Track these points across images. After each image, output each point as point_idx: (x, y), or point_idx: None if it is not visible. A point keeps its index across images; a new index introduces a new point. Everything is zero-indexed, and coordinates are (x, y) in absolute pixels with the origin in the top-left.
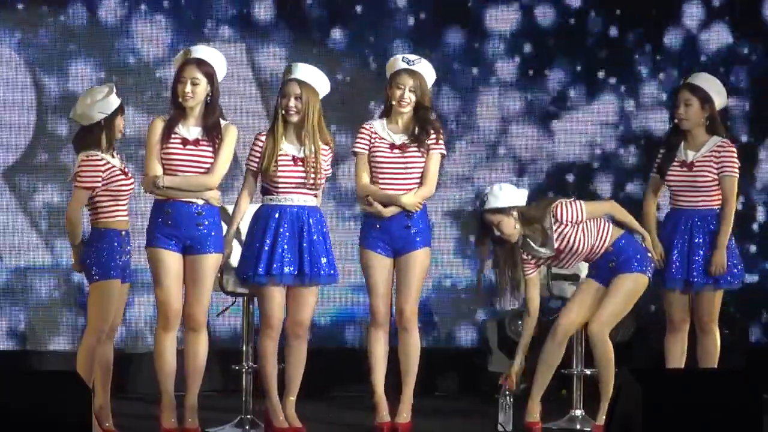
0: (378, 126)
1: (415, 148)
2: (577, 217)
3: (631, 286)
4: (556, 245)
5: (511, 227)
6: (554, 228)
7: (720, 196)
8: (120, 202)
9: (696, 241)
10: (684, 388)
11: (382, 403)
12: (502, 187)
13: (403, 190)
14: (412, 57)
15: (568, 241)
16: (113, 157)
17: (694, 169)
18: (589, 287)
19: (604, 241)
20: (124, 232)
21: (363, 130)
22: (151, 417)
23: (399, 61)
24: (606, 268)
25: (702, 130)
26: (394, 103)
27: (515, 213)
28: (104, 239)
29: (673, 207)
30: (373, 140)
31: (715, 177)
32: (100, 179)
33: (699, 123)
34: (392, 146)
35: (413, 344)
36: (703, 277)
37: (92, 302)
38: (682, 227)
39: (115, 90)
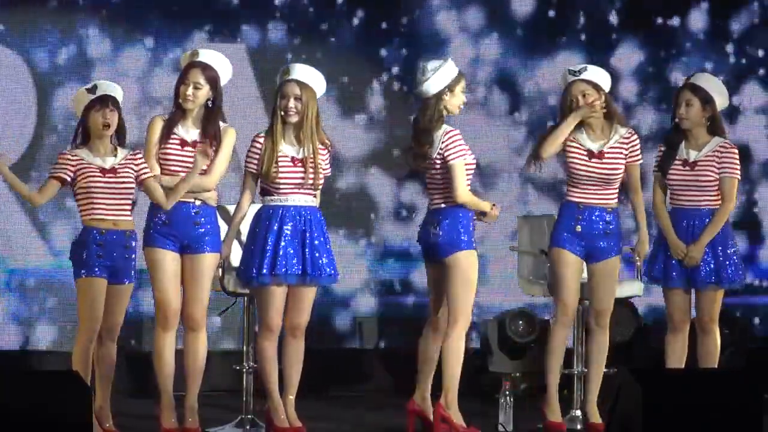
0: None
1: None
2: (639, 151)
3: (616, 270)
4: (604, 148)
5: (591, 101)
6: (622, 138)
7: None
8: (95, 201)
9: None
10: (684, 388)
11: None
12: (604, 70)
13: None
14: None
15: (617, 155)
16: (113, 155)
17: (697, 168)
18: (568, 263)
19: (615, 194)
20: (104, 230)
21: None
22: (151, 417)
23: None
24: (594, 233)
25: (703, 130)
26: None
27: (603, 96)
28: (83, 237)
29: (674, 206)
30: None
31: (717, 177)
32: (68, 172)
33: (700, 123)
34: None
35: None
36: (707, 277)
37: (79, 301)
38: (684, 226)
39: (90, 85)
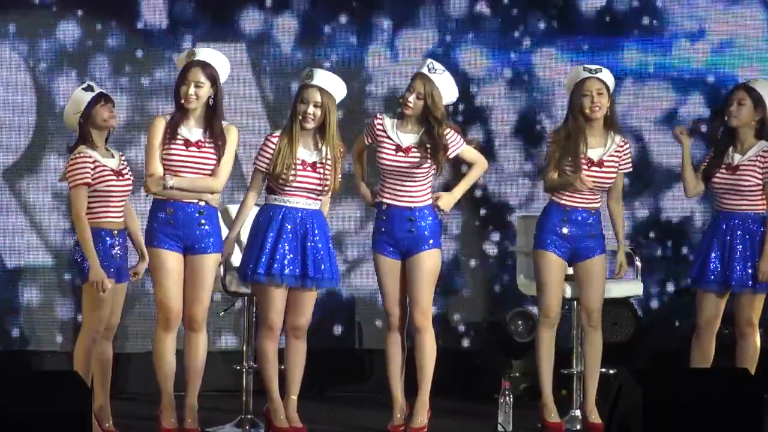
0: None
1: None
2: (630, 161)
3: (603, 268)
4: (603, 156)
5: (605, 101)
6: (617, 147)
7: (764, 201)
8: (111, 203)
9: (735, 243)
10: (684, 388)
11: (398, 407)
12: (612, 76)
13: None
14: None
15: (613, 165)
16: (111, 156)
17: (738, 172)
18: (551, 265)
19: (600, 197)
20: (116, 232)
21: None
22: (151, 417)
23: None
24: (580, 235)
25: (751, 133)
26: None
27: (610, 100)
28: (94, 239)
29: (718, 209)
30: None
31: (759, 182)
32: (89, 175)
33: (749, 124)
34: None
35: (428, 346)
36: (740, 280)
37: (86, 302)
38: (723, 229)
39: (85, 85)
